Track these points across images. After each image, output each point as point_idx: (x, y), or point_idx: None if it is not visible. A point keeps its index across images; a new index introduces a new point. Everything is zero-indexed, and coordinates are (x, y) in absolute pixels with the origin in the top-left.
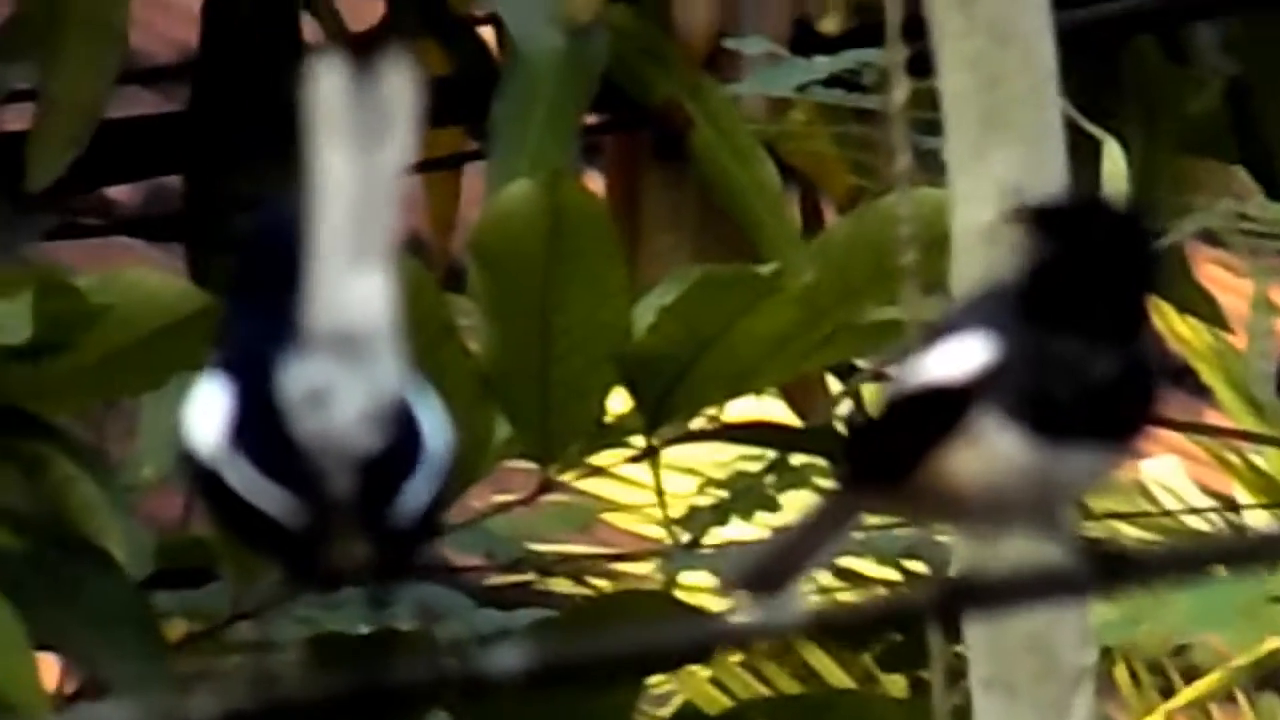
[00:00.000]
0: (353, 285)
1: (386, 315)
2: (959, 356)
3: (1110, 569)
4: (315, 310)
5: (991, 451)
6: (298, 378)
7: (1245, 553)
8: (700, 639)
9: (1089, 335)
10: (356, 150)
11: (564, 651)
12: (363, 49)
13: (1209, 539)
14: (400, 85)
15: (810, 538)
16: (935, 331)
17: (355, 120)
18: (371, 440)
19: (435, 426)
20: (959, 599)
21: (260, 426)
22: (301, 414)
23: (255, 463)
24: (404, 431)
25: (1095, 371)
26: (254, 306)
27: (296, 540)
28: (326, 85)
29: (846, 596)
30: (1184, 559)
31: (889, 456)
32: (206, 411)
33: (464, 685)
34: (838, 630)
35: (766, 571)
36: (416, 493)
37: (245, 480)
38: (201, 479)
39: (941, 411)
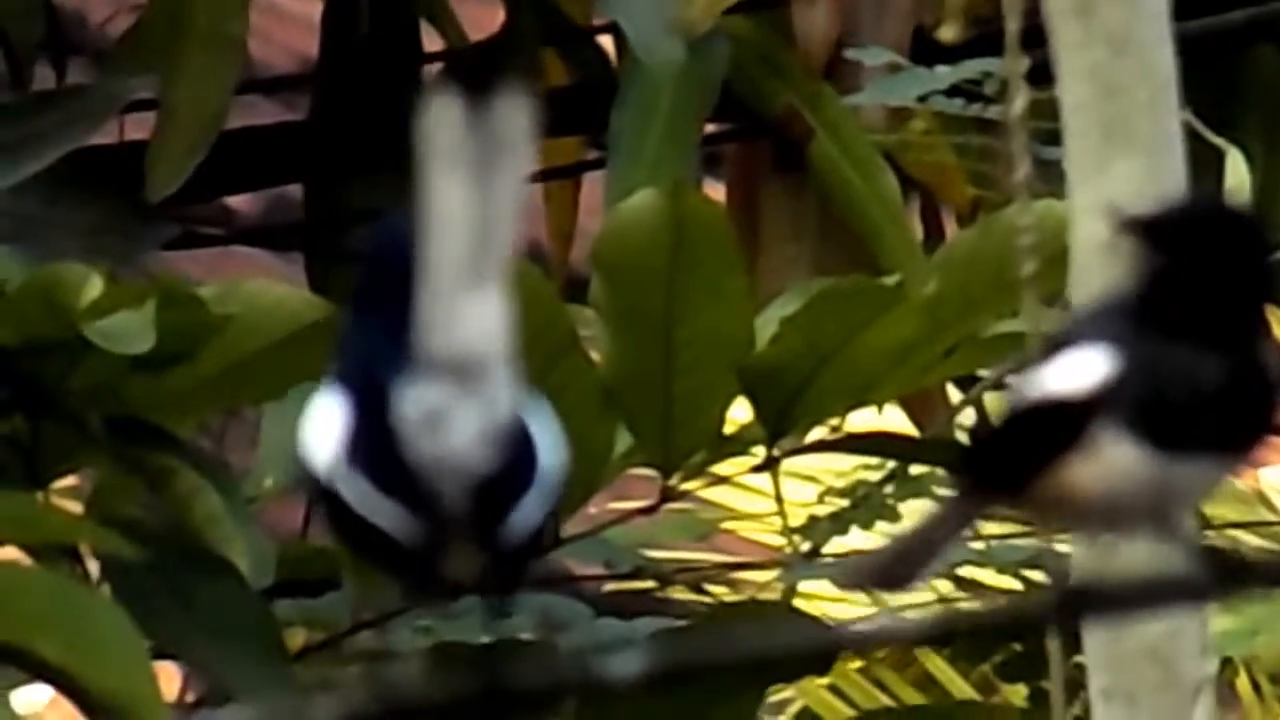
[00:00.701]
0: (467, 310)
1: (501, 339)
2: (1079, 369)
3: (1230, 575)
4: (430, 333)
5: (1109, 463)
6: (413, 401)
7: None
8: (821, 645)
9: (1205, 345)
10: (471, 179)
11: (683, 656)
12: (481, 67)
13: None
14: (515, 113)
15: (929, 540)
16: (1055, 342)
17: (470, 149)
18: (485, 461)
19: (550, 444)
20: (1079, 605)
21: (377, 445)
22: (417, 436)
23: (371, 479)
24: (517, 451)
25: (1211, 382)
26: (373, 322)
27: (411, 556)
28: (441, 114)
29: (967, 605)
30: None
31: (1010, 465)
32: (324, 427)
33: (583, 689)
34: (958, 636)
35: (886, 572)
36: (528, 511)
37: (361, 496)
38: (319, 494)
39: (1062, 423)
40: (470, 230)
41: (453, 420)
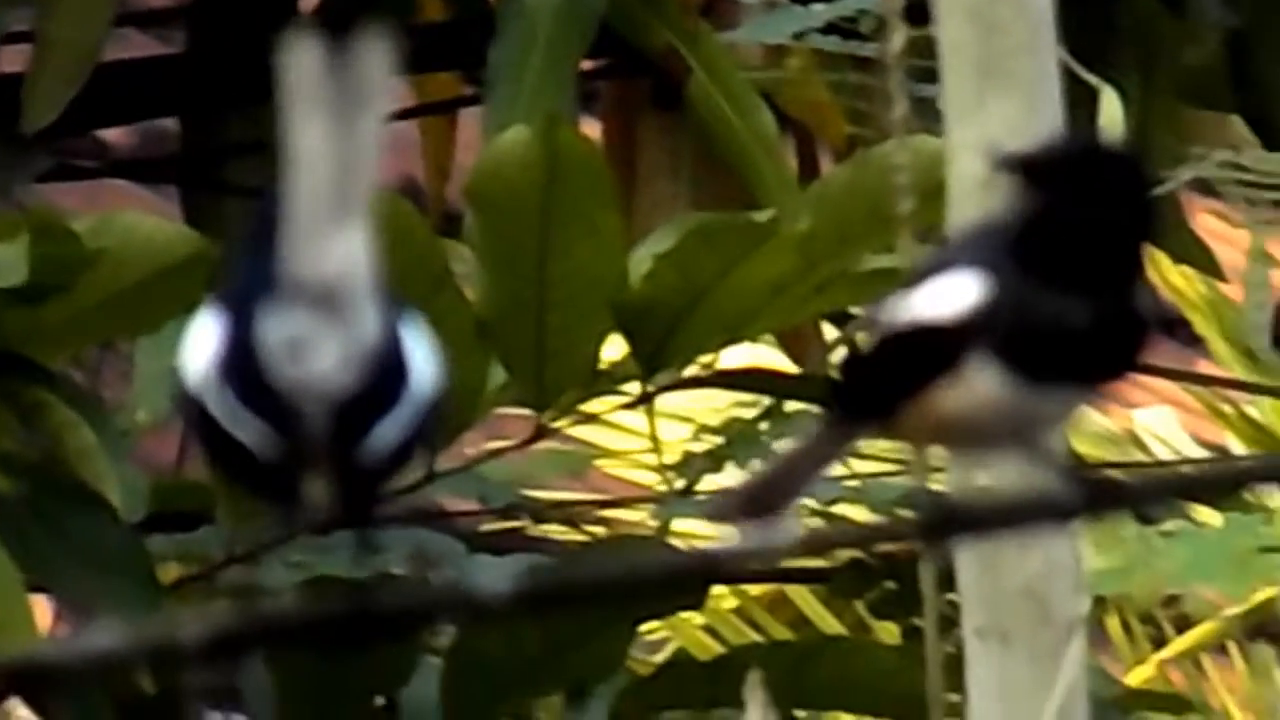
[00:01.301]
0: (330, 243)
1: (364, 270)
2: (951, 295)
3: (1099, 497)
4: (294, 264)
5: (976, 390)
6: (276, 326)
7: (1230, 481)
8: (692, 566)
9: (1080, 281)
10: (331, 119)
11: (554, 578)
12: (348, 6)
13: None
14: (377, 55)
15: (797, 470)
16: (925, 269)
17: (330, 90)
18: (345, 384)
19: (424, 370)
20: (948, 523)
21: (243, 364)
22: (279, 360)
23: (236, 395)
24: (382, 375)
25: (1080, 316)
26: (258, 257)
27: (271, 473)
28: (301, 56)
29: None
30: (1170, 488)
31: (879, 390)
32: (199, 346)
33: (451, 609)
34: (826, 551)
35: (756, 499)
36: (387, 434)
37: (225, 410)
38: (189, 407)
39: (932, 348)
40: (331, 169)
41: (314, 346)
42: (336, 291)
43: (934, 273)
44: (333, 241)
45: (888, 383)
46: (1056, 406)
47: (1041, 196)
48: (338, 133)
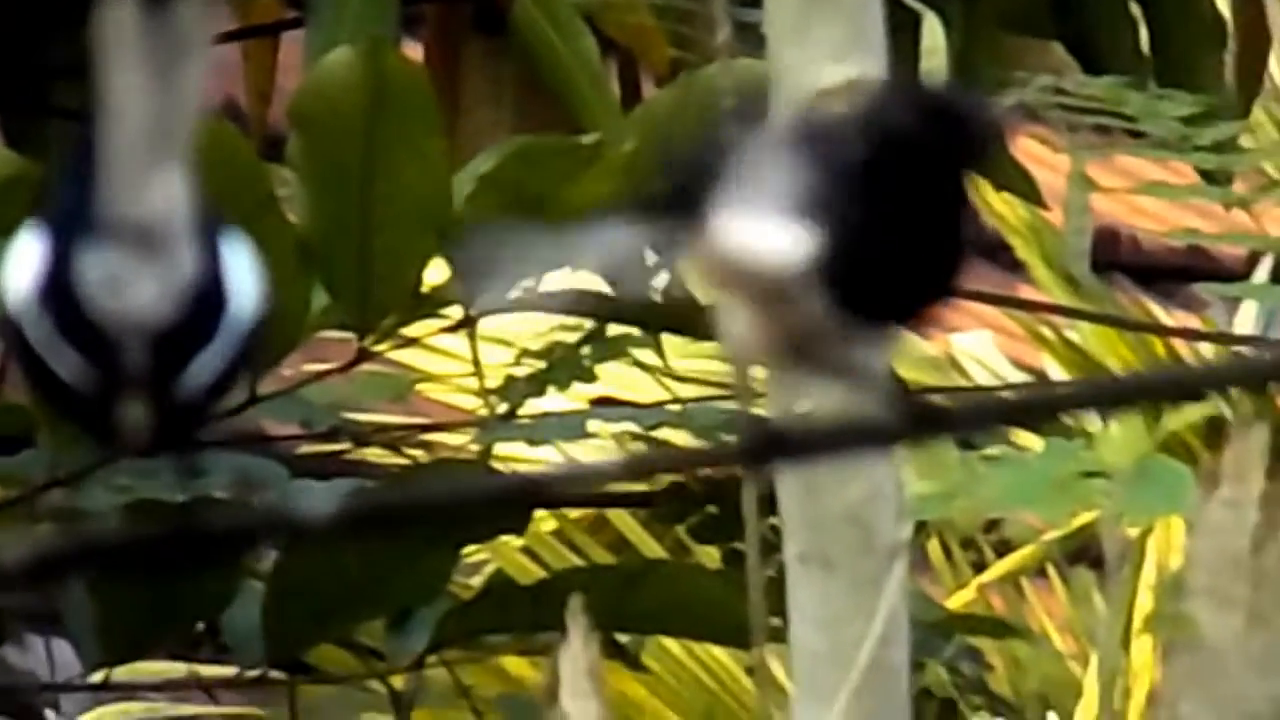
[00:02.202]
0: (148, 186)
1: (182, 211)
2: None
3: (921, 420)
4: (112, 204)
5: (791, 308)
6: (92, 264)
7: (1051, 407)
8: (515, 488)
9: (905, 212)
10: (149, 73)
11: (376, 501)
12: None
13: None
14: (194, 16)
15: None
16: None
17: (145, 49)
18: (161, 319)
19: (244, 295)
20: (771, 447)
21: (60, 294)
22: (97, 296)
23: (53, 325)
24: (200, 307)
25: (905, 246)
26: (79, 182)
27: (87, 403)
28: (115, 19)
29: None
30: (992, 412)
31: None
32: (19, 268)
33: (273, 530)
34: (648, 475)
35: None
36: (205, 365)
37: (42, 338)
38: (7, 330)
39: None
40: (147, 118)
41: (130, 284)
42: (154, 232)
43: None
44: (150, 185)
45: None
46: (878, 336)
47: (864, 124)
48: (154, 84)
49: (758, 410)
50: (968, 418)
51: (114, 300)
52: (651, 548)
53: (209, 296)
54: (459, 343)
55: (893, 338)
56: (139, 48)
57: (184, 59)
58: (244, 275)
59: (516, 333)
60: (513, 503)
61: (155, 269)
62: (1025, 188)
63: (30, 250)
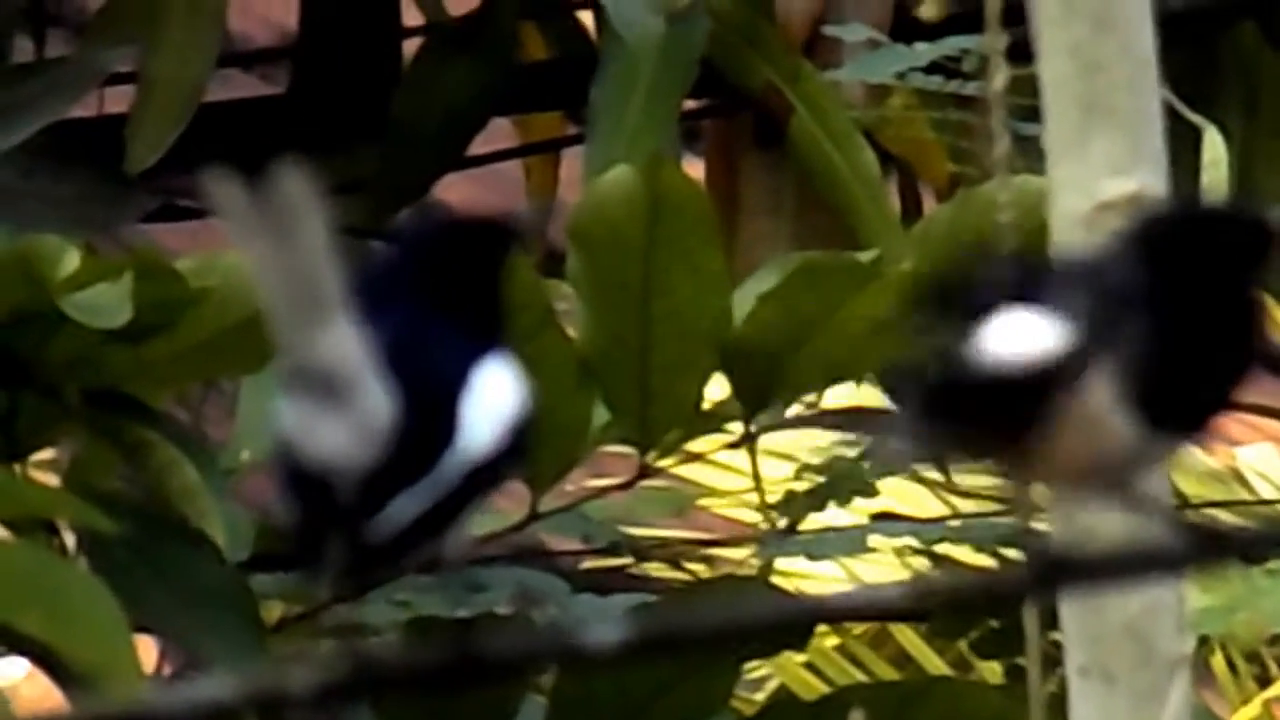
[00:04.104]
0: (314, 338)
1: (358, 356)
2: (1054, 334)
3: (1207, 546)
4: (289, 357)
5: (1097, 431)
6: (284, 412)
7: None
8: (797, 614)
9: (1201, 326)
10: (271, 242)
11: (660, 625)
12: (459, 38)
13: None
14: (296, 182)
15: None
16: (1019, 299)
17: (259, 219)
18: (357, 463)
19: (478, 435)
20: (1056, 575)
21: (279, 439)
22: (293, 442)
23: (274, 465)
24: (402, 450)
25: (1200, 362)
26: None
27: (294, 538)
28: (222, 192)
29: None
30: (1277, 535)
31: (979, 424)
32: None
33: (559, 657)
34: (934, 608)
35: None
36: (403, 508)
37: (275, 480)
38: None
39: (1047, 387)
40: (288, 281)
41: (318, 429)
42: (333, 378)
43: (1038, 307)
44: (316, 337)
45: (990, 417)
46: (1168, 448)
47: (1153, 242)
48: (280, 251)
49: (1038, 525)
50: (1252, 541)
51: (307, 445)
52: (933, 662)
53: (419, 436)
54: (740, 458)
55: (1177, 453)
56: (251, 221)
57: (298, 222)
58: (491, 409)
59: (797, 447)
60: (797, 624)
61: (343, 415)
62: None
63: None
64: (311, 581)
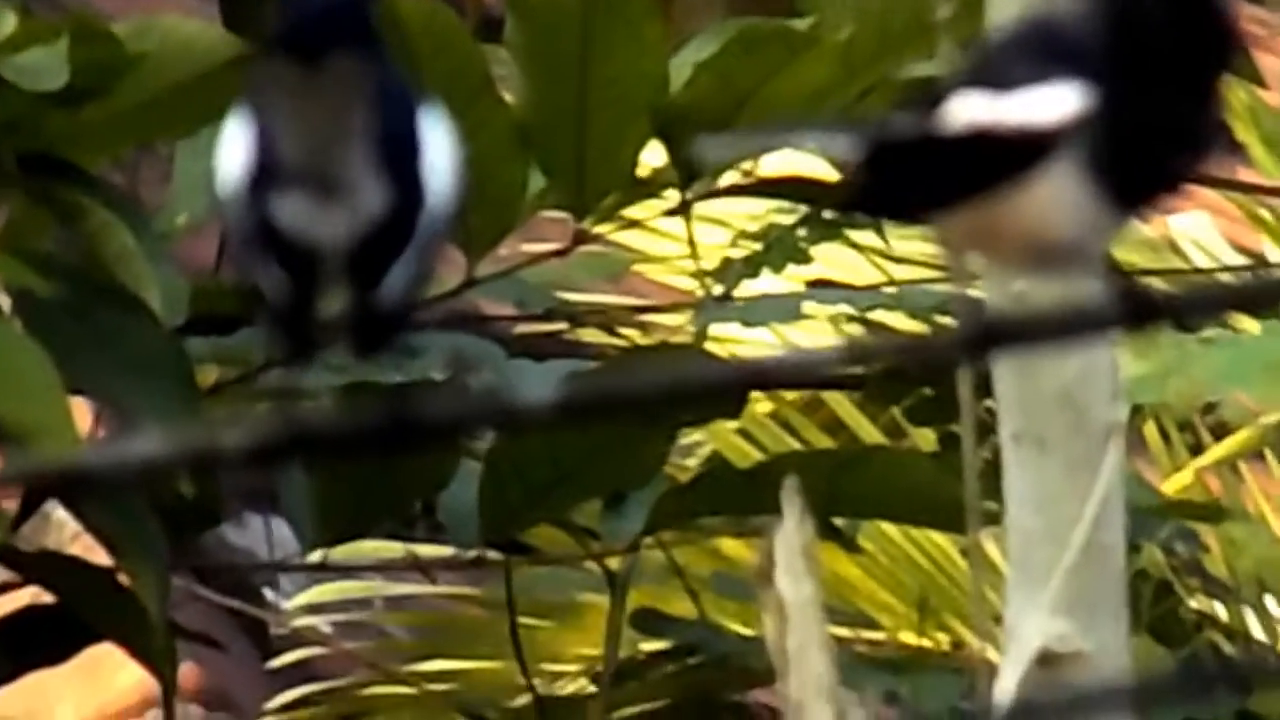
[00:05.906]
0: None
1: (356, 149)
2: (1046, 100)
3: (1139, 309)
4: (290, 157)
5: (1056, 199)
6: (282, 206)
7: (1270, 295)
8: (731, 378)
9: (1172, 99)
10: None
11: (595, 389)
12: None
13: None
14: (348, 76)
15: None
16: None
17: (303, 99)
18: (353, 245)
19: (439, 189)
20: (989, 338)
21: (258, 215)
22: (289, 230)
23: (252, 240)
24: (392, 229)
25: (1177, 137)
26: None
27: (280, 313)
28: (270, 75)
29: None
30: (1210, 301)
31: (931, 188)
32: (231, 154)
33: (493, 418)
34: (869, 368)
35: None
36: (397, 278)
37: (242, 242)
38: (222, 215)
39: (1020, 150)
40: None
41: (316, 221)
42: (334, 178)
43: (1010, 72)
44: (324, 141)
45: (945, 181)
46: (1121, 218)
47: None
48: (315, 117)
49: (973, 292)
50: (1187, 305)
51: (304, 234)
52: (867, 430)
53: (403, 212)
54: (676, 225)
55: (1129, 221)
56: (293, 99)
57: (342, 104)
58: (442, 158)
59: (733, 215)
60: (732, 389)
61: (339, 208)
62: (1244, 68)
63: (238, 139)
64: (296, 352)
